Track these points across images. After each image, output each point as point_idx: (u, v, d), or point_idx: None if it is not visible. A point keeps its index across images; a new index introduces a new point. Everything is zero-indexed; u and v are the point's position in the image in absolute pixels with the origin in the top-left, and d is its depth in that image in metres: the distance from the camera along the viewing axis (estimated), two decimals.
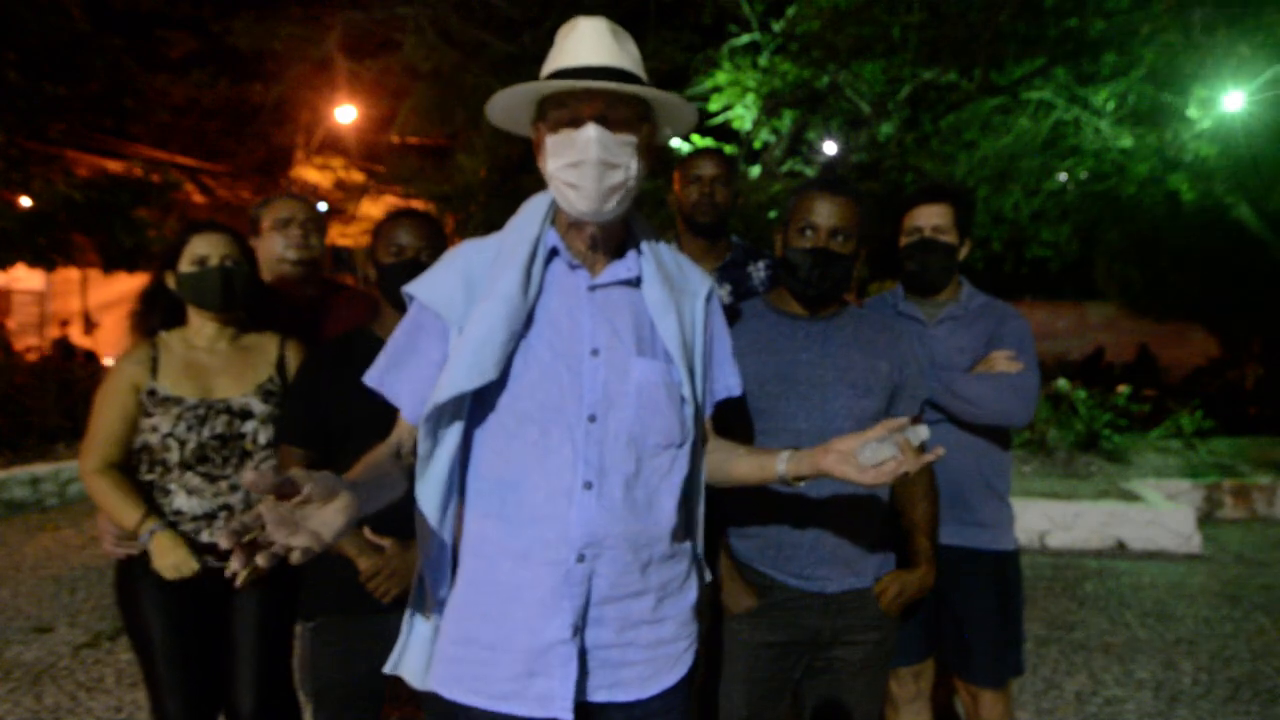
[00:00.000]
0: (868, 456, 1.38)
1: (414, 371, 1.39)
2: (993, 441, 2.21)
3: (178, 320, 2.12)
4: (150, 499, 2.02)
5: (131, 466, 2.05)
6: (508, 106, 1.40)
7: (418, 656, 1.43)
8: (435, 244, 1.97)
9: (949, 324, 2.26)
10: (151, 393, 2.02)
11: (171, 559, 1.96)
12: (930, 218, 2.23)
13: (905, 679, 2.25)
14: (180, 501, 2.01)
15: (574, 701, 1.34)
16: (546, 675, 1.33)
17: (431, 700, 1.41)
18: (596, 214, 1.35)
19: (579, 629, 1.34)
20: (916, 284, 2.30)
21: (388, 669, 1.44)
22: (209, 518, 2.02)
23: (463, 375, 1.30)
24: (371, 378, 1.43)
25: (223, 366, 2.09)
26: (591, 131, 1.30)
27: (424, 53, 9.81)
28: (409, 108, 10.93)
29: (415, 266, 1.85)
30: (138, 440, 2.03)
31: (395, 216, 2.03)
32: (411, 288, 1.41)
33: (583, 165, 1.31)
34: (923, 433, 1.37)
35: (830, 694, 1.91)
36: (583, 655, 1.35)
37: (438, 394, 1.31)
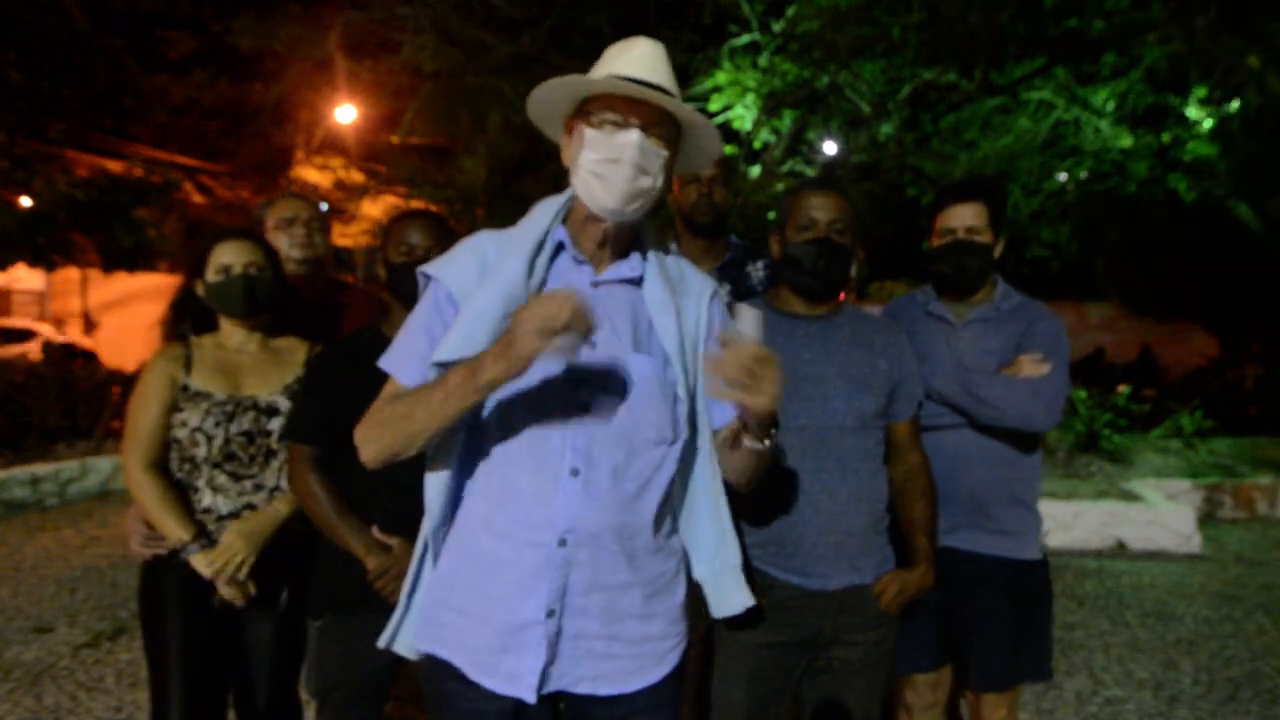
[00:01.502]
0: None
1: (427, 350, 1.40)
2: (1019, 448, 2.12)
3: (209, 326, 2.15)
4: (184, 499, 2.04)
5: (167, 465, 2.07)
6: (550, 99, 1.44)
7: (413, 629, 1.47)
8: (445, 243, 1.98)
9: (978, 325, 2.18)
10: (184, 388, 2.05)
11: (220, 560, 1.99)
12: (963, 218, 2.13)
13: (922, 688, 2.19)
14: (208, 499, 2.04)
15: (555, 690, 1.37)
16: (518, 653, 1.37)
17: (422, 671, 1.44)
18: (617, 212, 1.39)
19: (555, 612, 1.36)
20: (951, 286, 2.21)
21: (381, 643, 1.48)
22: (234, 516, 2.04)
23: (453, 345, 1.34)
24: (386, 362, 1.44)
25: (252, 366, 2.12)
26: (635, 136, 1.36)
27: (425, 55, 9.82)
28: (414, 111, 10.95)
29: None
30: (169, 435, 2.05)
31: (405, 217, 2.06)
32: (429, 268, 1.44)
33: (619, 164, 1.36)
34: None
35: (830, 693, 1.91)
36: (568, 643, 1.38)
37: (432, 359, 1.35)
